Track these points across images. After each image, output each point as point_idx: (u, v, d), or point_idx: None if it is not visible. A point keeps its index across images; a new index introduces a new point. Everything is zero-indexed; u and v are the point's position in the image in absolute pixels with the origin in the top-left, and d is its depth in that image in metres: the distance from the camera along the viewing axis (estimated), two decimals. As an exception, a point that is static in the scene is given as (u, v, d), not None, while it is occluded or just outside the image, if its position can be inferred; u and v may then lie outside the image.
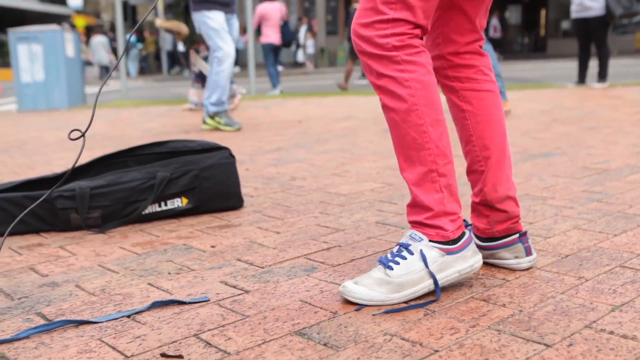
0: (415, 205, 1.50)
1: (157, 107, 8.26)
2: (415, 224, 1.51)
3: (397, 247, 1.50)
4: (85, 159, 4.00)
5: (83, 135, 1.51)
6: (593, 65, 14.76)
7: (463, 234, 1.51)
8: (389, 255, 1.49)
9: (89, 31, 41.47)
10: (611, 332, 1.26)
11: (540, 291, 1.49)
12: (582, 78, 8.62)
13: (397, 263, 1.47)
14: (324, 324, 1.35)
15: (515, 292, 1.49)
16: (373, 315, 1.39)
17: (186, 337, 1.31)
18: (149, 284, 1.65)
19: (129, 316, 1.44)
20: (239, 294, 1.55)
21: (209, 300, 1.51)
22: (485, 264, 1.71)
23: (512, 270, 1.65)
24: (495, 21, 23.75)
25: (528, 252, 1.66)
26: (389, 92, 1.46)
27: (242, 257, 1.86)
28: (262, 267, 1.75)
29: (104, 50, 24.43)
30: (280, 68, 10.84)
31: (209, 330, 1.34)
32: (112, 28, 44.36)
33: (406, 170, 1.50)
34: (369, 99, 8.03)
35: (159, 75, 23.72)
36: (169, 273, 1.73)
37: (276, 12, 10.16)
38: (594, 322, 1.31)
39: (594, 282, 1.54)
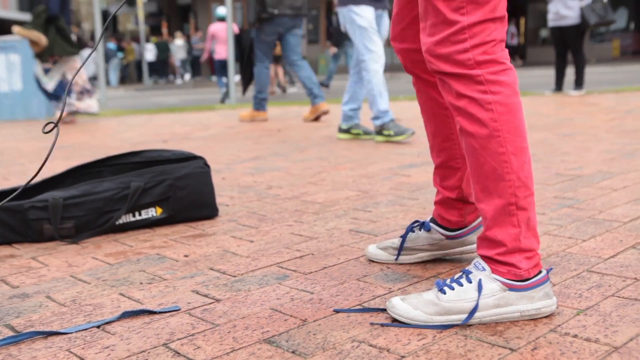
0: (486, 239, 1.40)
1: (136, 116, 8.23)
2: (485, 259, 1.41)
3: (460, 273, 1.41)
4: (61, 168, 3.98)
5: (56, 125, 1.48)
6: (570, 72, 14.92)
7: (539, 272, 1.40)
8: (447, 280, 1.40)
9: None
10: (575, 336, 1.28)
11: (508, 296, 1.51)
12: (559, 85, 8.72)
13: (452, 288, 1.37)
14: (293, 331, 1.36)
15: (484, 298, 1.51)
16: (333, 310, 1.40)
17: (155, 347, 1.31)
18: (121, 294, 1.65)
19: (98, 326, 1.43)
20: (209, 303, 1.55)
21: (179, 310, 1.51)
22: (452, 261, 1.73)
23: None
24: (512, 28, 24.18)
25: None
26: (468, 115, 1.35)
27: (214, 266, 1.86)
28: (234, 276, 1.75)
29: (92, 62, 24.33)
30: (225, 79, 11.91)
31: (178, 339, 1.35)
32: (93, 37, 44.16)
33: (482, 202, 1.39)
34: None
35: (140, 85, 23.64)
36: (141, 283, 1.73)
37: (224, 32, 11.20)
38: (559, 325, 1.33)
39: (560, 286, 1.56)
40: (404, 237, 1.77)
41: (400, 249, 1.76)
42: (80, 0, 47.65)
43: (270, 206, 2.64)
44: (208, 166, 2.47)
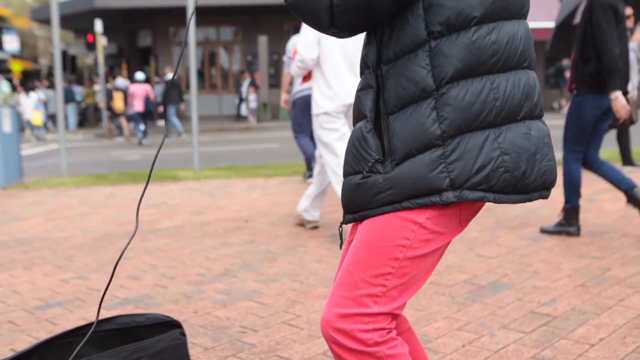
0: None
1: (100, 188, 8.07)
2: None
3: None
4: (24, 276, 3.84)
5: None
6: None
7: None
8: None
9: (26, 76, 40.64)
10: None
11: None
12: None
13: None
14: None
15: None
16: None
17: None
18: None
19: None
20: None
21: None
22: None
23: None
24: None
25: None
26: None
27: None
28: None
29: (47, 103, 24.01)
30: (142, 127, 17.25)
31: None
32: (50, 74, 43.48)
33: None
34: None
35: (98, 129, 23.32)
36: None
37: (141, 91, 17.46)
38: None
39: None
40: None
41: None
42: (37, 35, 47.17)
43: (247, 369, 2.57)
44: (184, 336, 2.39)
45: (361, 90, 1.53)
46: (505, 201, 1.42)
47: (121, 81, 19.45)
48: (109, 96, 18.41)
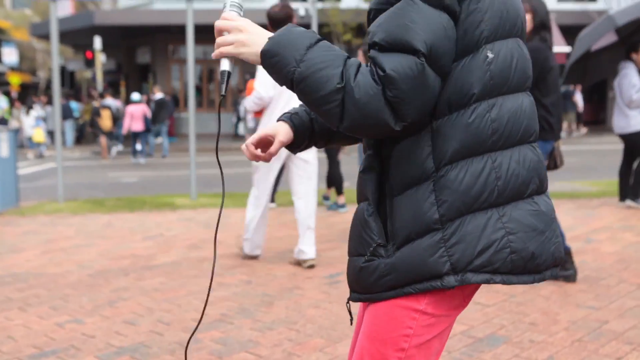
0: None
1: (96, 216, 8.04)
2: None
3: None
4: (18, 313, 3.82)
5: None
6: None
7: None
8: None
9: (24, 89, 40.58)
10: None
11: None
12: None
13: None
14: None
15: None
16: None
17: None
18: None
19: None
20: None
21: None
22: None
23: None
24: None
25: None
26: None
27: None
28: None
29: (46, 119, 24.03)
30: (138, 147, 17.46)
31: None
32: (48, 87, 43.46)
33: None
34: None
35: (95, 146, 23.29)
36: None
37: (139, 111, 17.61)
38: None
39: None
40: None
41: None
42: (37, 48, 47.21)
43: None
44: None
45: (363, 171, 1.53)
46: (514, 282, 1.41)
47: (110, 100, 20.03)
48: (96, 114, 18.91)
